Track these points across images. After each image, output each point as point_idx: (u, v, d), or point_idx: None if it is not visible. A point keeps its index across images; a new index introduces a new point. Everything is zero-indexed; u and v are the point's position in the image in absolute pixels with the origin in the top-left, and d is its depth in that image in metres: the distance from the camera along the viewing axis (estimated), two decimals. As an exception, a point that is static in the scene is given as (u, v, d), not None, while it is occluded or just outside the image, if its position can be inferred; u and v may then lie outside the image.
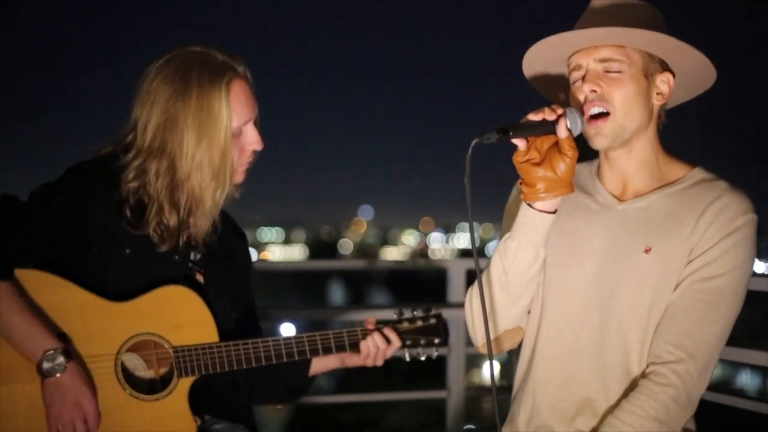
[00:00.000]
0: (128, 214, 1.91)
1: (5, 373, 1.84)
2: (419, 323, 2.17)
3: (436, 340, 2.18)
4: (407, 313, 2.18)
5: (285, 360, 2.02)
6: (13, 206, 1.87)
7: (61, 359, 1.81)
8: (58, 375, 1.81)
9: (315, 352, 2.05)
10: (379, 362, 2.13)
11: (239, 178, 2.01)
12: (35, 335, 1.81)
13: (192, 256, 2.03)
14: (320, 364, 2.16)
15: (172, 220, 1.94)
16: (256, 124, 2.00)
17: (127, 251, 1.92)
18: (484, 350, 1.90)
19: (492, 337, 1.83)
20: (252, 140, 1.98)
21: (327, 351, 2.06)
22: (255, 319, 2.20)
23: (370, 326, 2.11)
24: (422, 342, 2.17)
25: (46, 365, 1.80)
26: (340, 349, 2.08)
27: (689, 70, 1.79)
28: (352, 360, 2.14)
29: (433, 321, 2.18)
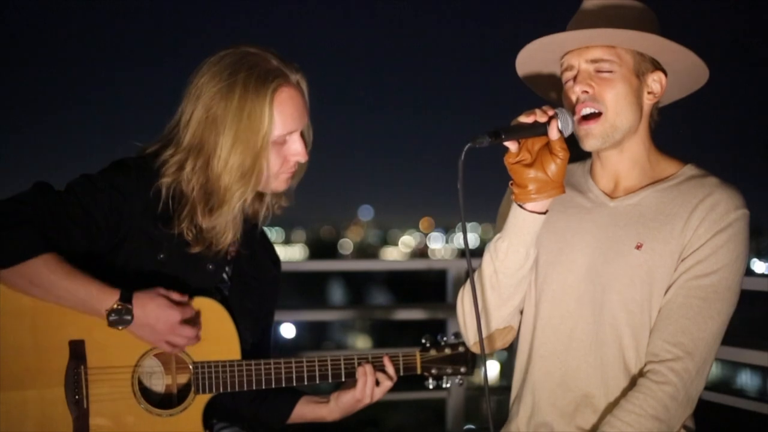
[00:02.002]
0: (161, 209, 1.87)
1: (20, 379, 1.81)
2: (447, 351, 2.12)
3: (463, 369, 2.13)
4: (436, 341, 2.13)
5: (306, 383, 1.98)
6: (48, 193, 1.82)
7: (123, 310, 1.79)
8: (133, 319, 1.80)
9: (337, 376, 2.01)
10: (376, 395, 2.05)
11: (282, 185, 1.95)
12: (90, 297, 1.79)
13: (227, 269, 1.99)
14: (307, 411, 2.08)
15: (205, 222, 1.89)
16: (303, 135, 1.93)
17: (161, 256, 1.88)
18: (475, 349, 1.94)
19: (483, 336, 1.83)
20: (295, 152, 1.91)
21: (349, 375, 2.01)
22: (268, 347, 2.13)
23: (387, 361, 2.05)
24: (448, 371, 2.13)
25: (116, 321, 1.80)
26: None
27: (681, 69, 1.80)
28: (345, 399, 2.05)
29: (462, 349, 2.13)
